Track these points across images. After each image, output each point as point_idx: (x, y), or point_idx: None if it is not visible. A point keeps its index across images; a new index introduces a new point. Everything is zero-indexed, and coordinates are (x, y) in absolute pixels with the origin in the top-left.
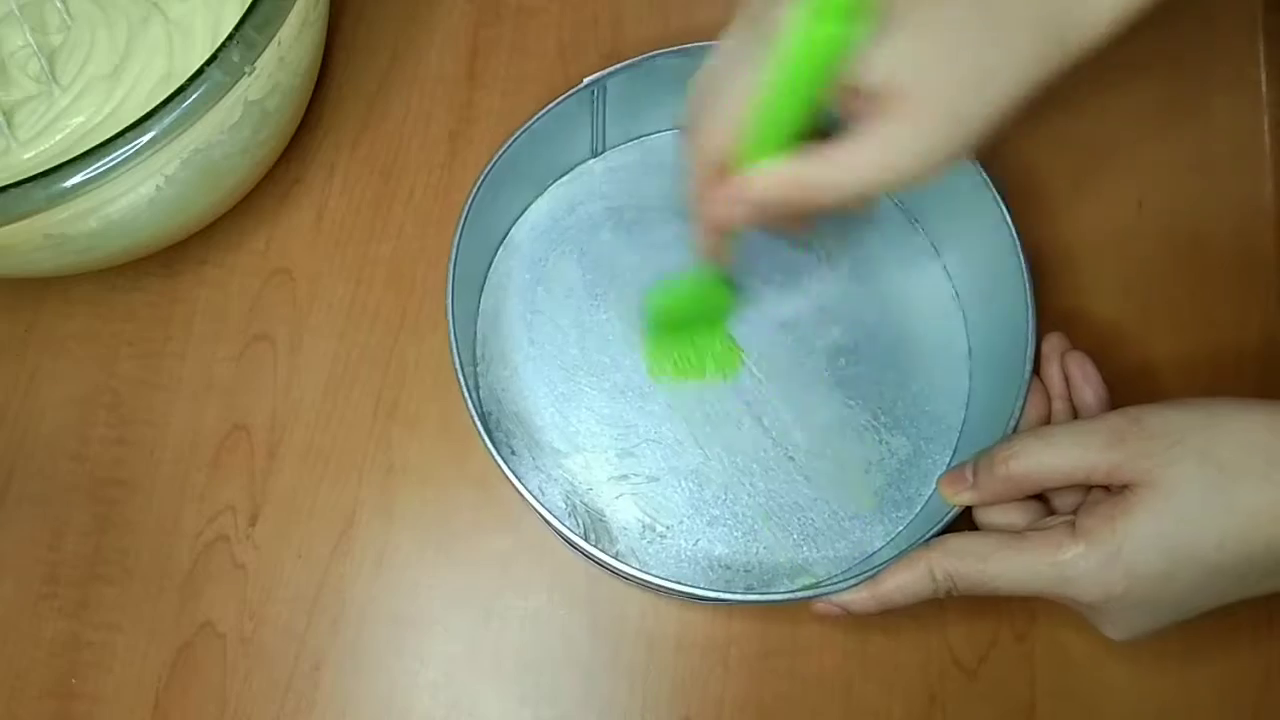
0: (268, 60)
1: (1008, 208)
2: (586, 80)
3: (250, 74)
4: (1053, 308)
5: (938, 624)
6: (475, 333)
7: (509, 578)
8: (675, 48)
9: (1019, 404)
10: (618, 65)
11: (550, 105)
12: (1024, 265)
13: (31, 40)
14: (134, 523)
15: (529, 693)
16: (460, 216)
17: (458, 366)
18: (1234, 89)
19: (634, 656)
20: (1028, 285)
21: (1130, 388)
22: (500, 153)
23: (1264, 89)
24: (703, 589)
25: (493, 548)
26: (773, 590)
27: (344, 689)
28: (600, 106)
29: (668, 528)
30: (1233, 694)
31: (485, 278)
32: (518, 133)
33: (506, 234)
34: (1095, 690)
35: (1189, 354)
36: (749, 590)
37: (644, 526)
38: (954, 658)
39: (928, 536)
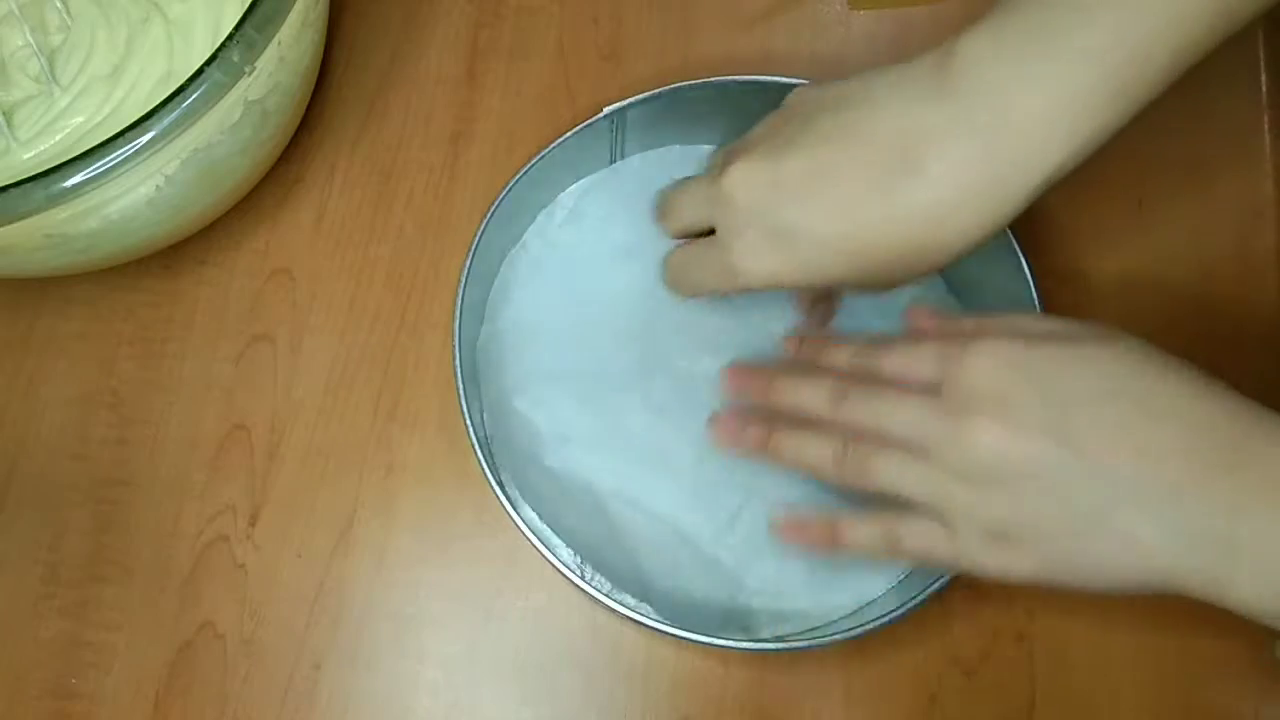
0: (268, 60)
1: (1022, 252)
2: (607, 110)
3: (250, 74)
4: (1053, 308)
5: (938, 624)
6: (476, 354)
7: (509, 578)
8: (699, 80)
9: None
10: (638, 97)
11: (567, 134)
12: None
13: (31, 40)
14: (134, 523)
15: (529, 693)
16: (471, 247)
17: (461, 397)
18: (1234, 89)
19: (634, 656)
20: None
21: None
22: (513, 182)
23: (1264, 89)
24: (697, 634)
25: (493, 547)
26: (766, 638)
27: (344, 689)
28: (619, 129)
29: (661, 564)
30: (1234, 697)
31: (489, 296)
32: (533, 160)
33: (515, 245)
34: (1095, 690)
35: (1188, 353)
36: (745, 633)
37: (636, 563)
38: (954, 658)
39: (930, 587)
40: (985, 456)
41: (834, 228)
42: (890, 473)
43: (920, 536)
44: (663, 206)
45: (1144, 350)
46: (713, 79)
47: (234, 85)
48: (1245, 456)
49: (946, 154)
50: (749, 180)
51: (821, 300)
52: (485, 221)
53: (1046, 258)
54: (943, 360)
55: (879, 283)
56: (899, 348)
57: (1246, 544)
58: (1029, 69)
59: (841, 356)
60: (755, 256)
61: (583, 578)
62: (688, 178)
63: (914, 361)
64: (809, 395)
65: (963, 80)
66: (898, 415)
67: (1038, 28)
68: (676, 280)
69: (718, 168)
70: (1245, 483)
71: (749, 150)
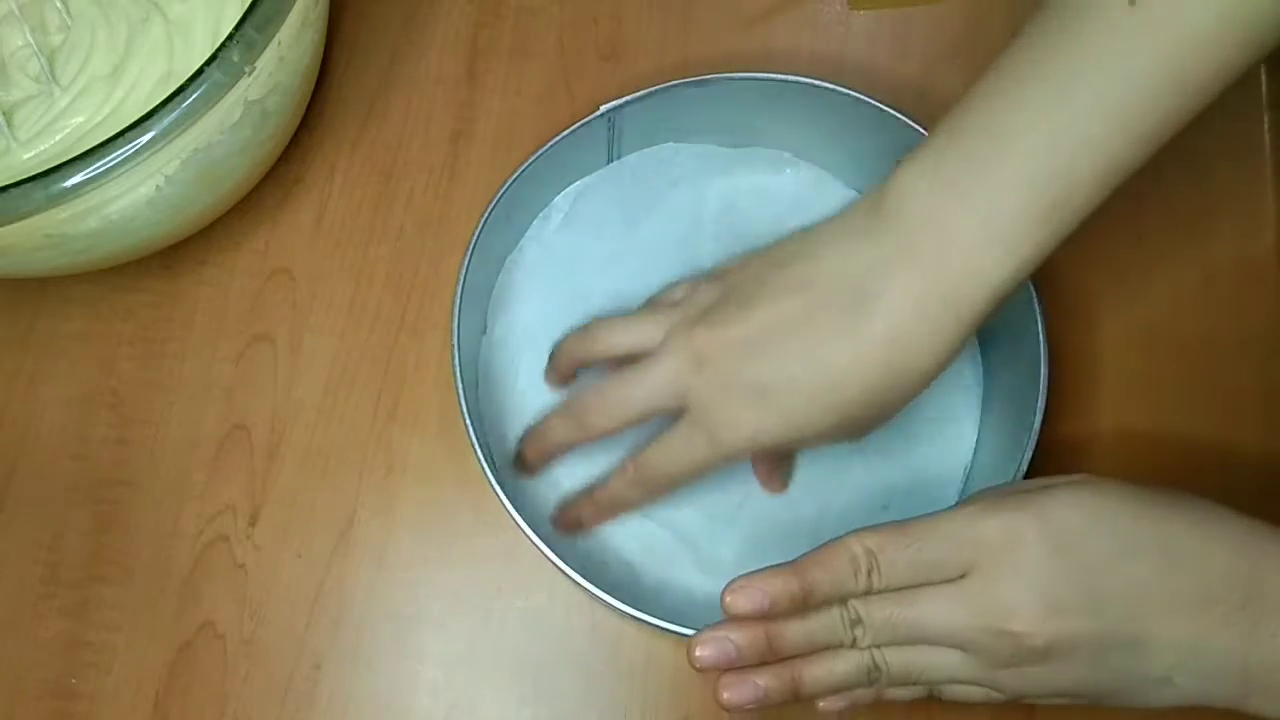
0: (268, 60)
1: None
2: (603, 108)
3: (250, 74)
4: (1052, 319)
5: None
6: (478, 353)
7: (509, 577)
8: (695, 78)
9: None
10: (633, 95)
11: (563, 134)
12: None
13: (31, 40)
14: (134, 523)
15: (529, 693)
16: (469, 244)
17: (461, 397)
18: (1234, 90)
19: (634, 656)
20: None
21: (1131, 392)
22: (510, 182)
23: (1264, 90)
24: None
25: (492, 547)
26: None
27: (344, 689)
28: (616, 128)
29: (660, 563)
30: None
31: (490, 295)
32: (529, 160)
33: (512, 251)
34: None
35: (1189, 356)
36: None
37: (633, 564)
38: None
39: None
40: (1030, 645)
41: (808, 374)
42: (935, 673)
43: (971, 696)
44: (600, 407)
45: (1137, 494)
46: (708, 76)
47: (234, 85)
48: (1254, 590)
49: (894, 284)
50: (722, 341)
51: (780, 465)
52: (483, 221)
53: (1045, 258)
54: (943, 553)
55: (861, 425)
56: (904, 550)
57: (1256, 671)
58: (957, 199)
59: (840, 564)
60: (737, 419)
61: (583, 576)
62: (600, 380)
63: (930, 560)
64: (819, 629)
65: (897, 217)
66: (928, 622)
67: (962, 160)
68: (648, 481)
69: (672, 344)
70: (1255, 616)
71: (706, 318)
